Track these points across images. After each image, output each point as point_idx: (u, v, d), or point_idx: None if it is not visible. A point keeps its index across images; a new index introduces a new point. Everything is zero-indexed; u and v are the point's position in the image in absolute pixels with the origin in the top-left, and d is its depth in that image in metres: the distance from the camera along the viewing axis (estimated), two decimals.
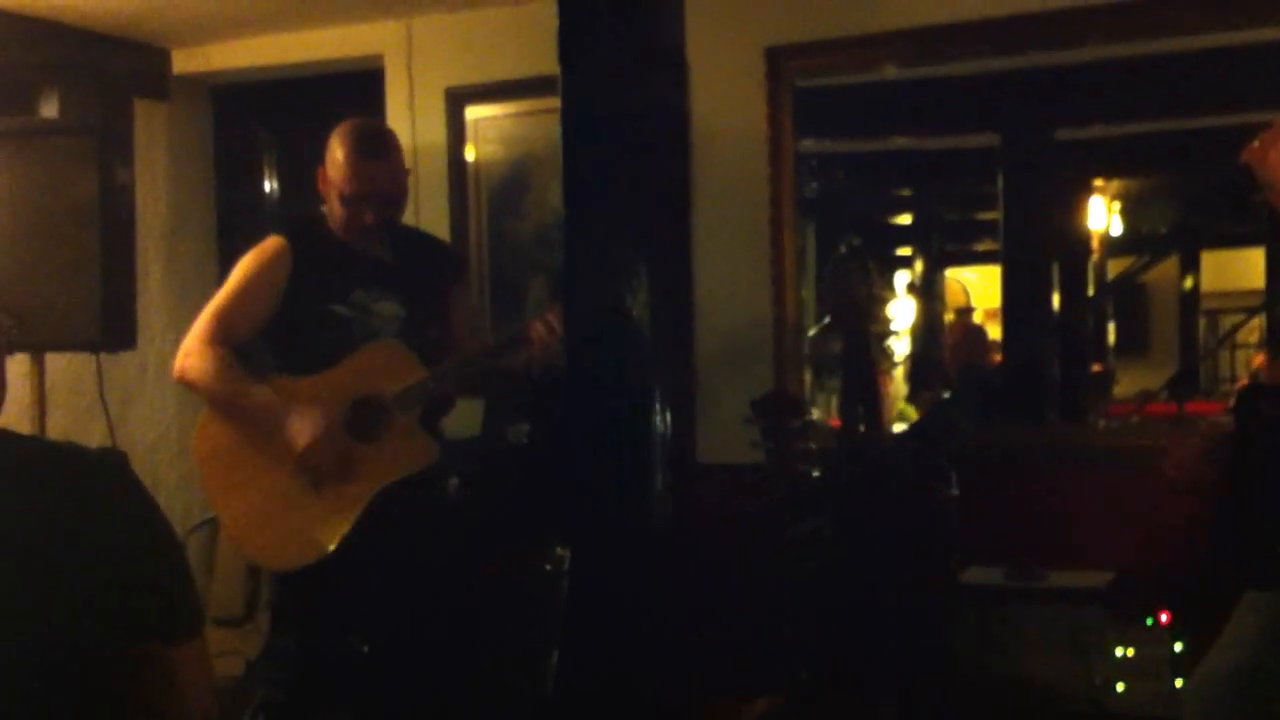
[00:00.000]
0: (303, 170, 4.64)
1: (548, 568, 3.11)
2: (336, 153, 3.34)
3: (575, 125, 3.25)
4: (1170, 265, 5.01)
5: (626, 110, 3.29)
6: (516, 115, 4.60)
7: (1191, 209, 4.94)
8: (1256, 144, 2.32)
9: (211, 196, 5.25)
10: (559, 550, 3.10)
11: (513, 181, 4.62)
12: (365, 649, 3.24)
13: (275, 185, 5.29)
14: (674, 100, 3.86)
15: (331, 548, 3.18)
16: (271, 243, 3.38)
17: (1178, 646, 3.33)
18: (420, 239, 3.72)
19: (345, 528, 3.18)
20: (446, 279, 3.57)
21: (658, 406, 3.17)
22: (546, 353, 3.33)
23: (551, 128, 3.80)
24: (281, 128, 5.26)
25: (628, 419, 3.06)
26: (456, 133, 4.65)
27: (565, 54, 3.26)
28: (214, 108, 5.28)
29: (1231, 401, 2.25)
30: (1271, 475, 1.99)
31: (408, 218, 3.62)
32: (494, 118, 4.64)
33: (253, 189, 5.28)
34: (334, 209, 3.36)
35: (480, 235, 4.63)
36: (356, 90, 4.74)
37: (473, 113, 4.66)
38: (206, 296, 3.52)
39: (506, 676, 3.49)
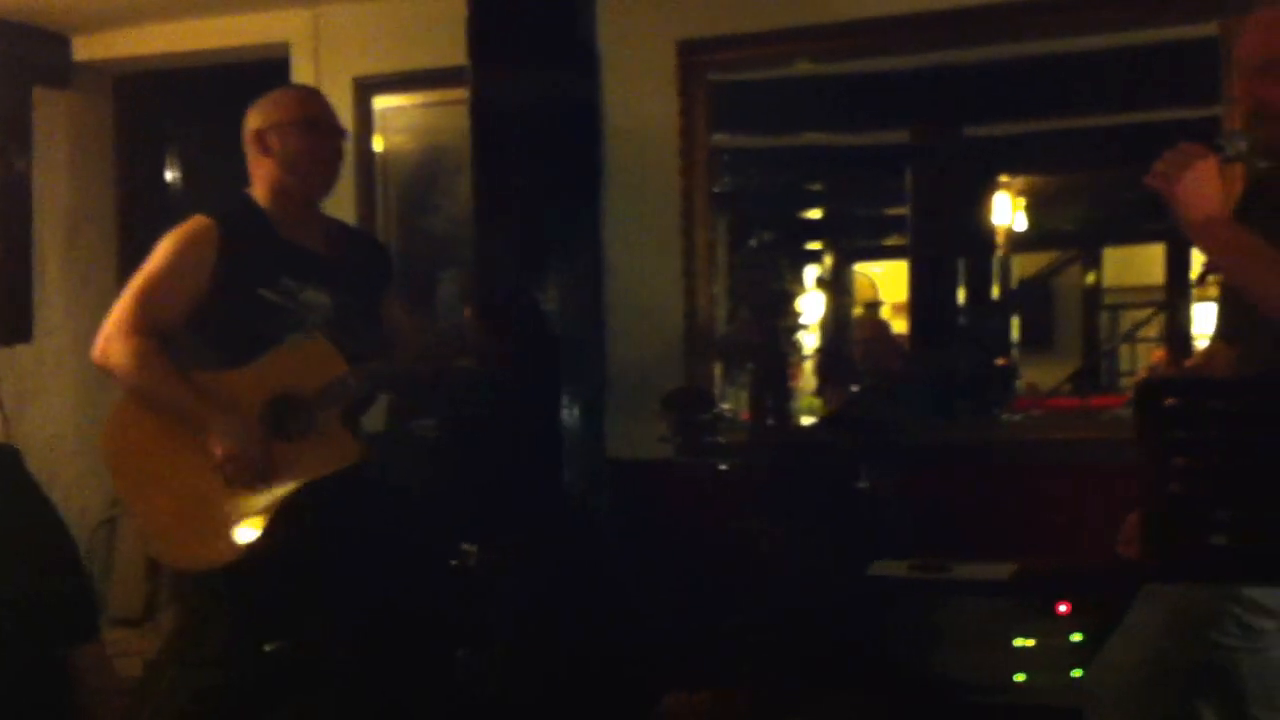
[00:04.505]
0: (207, 160, 4.57)
1: (455, 564, 3.08)
2: (271, 103, 3.32)
3: (484, 117, 3.24)
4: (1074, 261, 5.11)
5: (536, 102, 3.27)
6: (426, 105, 4.56)
7: (1096, 205, 5.02)
8: (1160, 167, 2.34)
9: (112, 187, 5.15)
10: (466, 546, 3.07)
11: (422, 173, 4.58)
12: (278, 650, 3.19)
13: (178, 175, 5.21)
14: (585, 92, 3.85)
15: (240, 550, 3.11)
16: (197, 222, 3.26)
17: (1077, 637, 3.37)
18: (353, 233, 3.67)
19: (257, 529, 3.11)
20: (379, 276, 3.53)
21: (567, 401, 3.17)
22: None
23: (462, 118, 3.77)
24: (185, 117, 5.18)
25: (537, 414, 3.06)
26: (364, 123, 4.60)
27: (474, 44, 3.25)
28: (116, 96, 5.17)
29: (1131, 395, 2.29)
30: (1170, 468, 2.01)
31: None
32: (402, 108, 4.60)
33: (155, 179, 5.19)
34: (277, 167, 3.28)
35: (389, 227, 4.58)
36: (262, 79, 4.61)
37: (381, 102, 4.61)
38: (106, 288, 3.45)
39: (416, 674, 3.45)
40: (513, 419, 3.08)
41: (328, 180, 3.34)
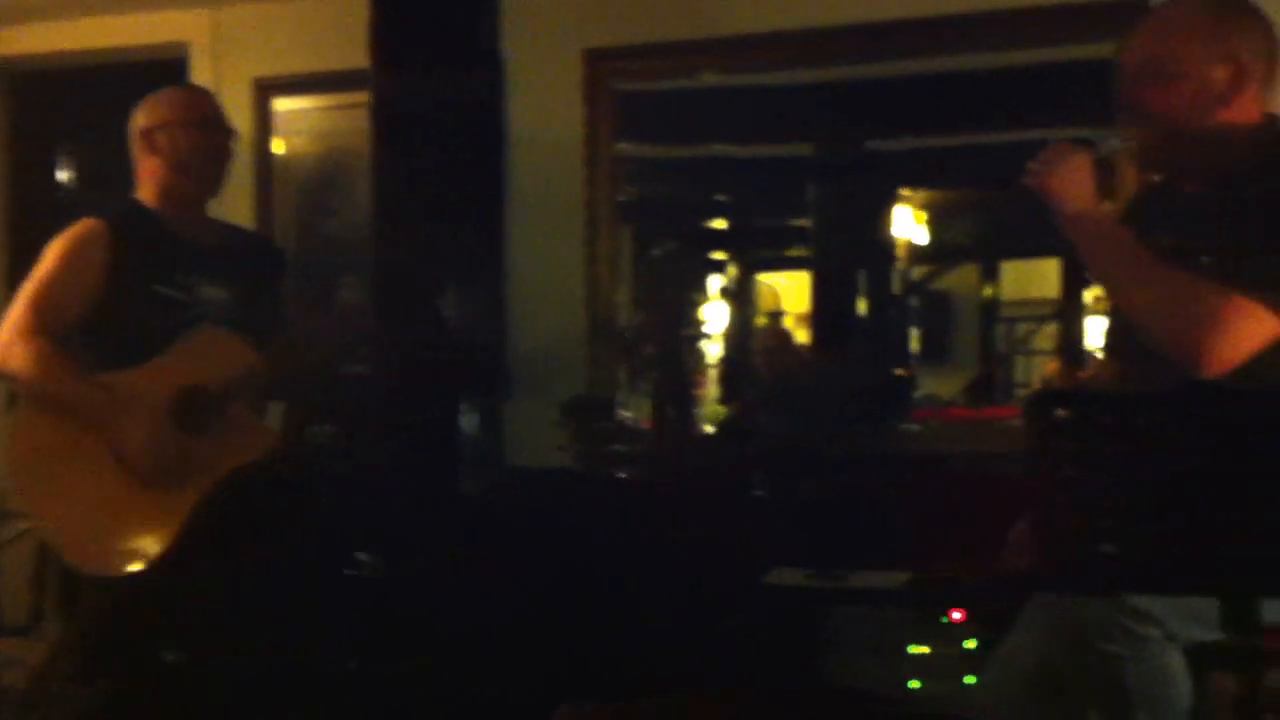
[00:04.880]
0: (102, 162, 4.48)
1: (350, 573, 3.04)
2: (160, 102, 3.31)
3: (385, 121, 3.21)
4: (972, 274, 5.16)
5: (438, 107, 3.25)
6: (327, 109, 4.52)
7: (995, 219, 5.09)
8: (1036, 166, 2.38)
9: (4, 188, 5.04)
10: (361, 555, 3.04)
11: (322, 176, 4.54)
12: (177, 660, 3.12)
13: (72, 176, 5.11)
14: (489, 98, 3.83)
15: (159, 554, 3.02)
16: (87, 224, 3.23)
17: (970, 644, 3.41)
18: (243, 232, 3.66)
19: (173, 531, 3.03)
20: (275, 272, 3.50)
21: (466, 408, 3.14)
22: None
23: (363, 122, 3.74)
24: (80, 118, 5.08)
25: (435, 420, 3.03)
26: (263, 125, 4.56)
27: (376, 48, 3.22)
28: (8, 95, 5.07)
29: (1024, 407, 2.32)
30: (1059, 479, 2.04)
31: (213, 213, 3.51)
32: (303, 110, 4.56)
33: (48, 180, 5.09)
34: (165, 167, 3.25)
35: (287, 231, 4.53)
36: (159, 80, 4.57)
37: (281, 105, 4.57)
38: None
39: (310, 685, 3.40)
40: (411, 425, 3.05)
41: (217, 181, 3.33)
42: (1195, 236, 2.31)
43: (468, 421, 3.27)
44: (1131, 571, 2.04)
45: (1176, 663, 2.27)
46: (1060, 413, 2.00)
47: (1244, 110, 2.37)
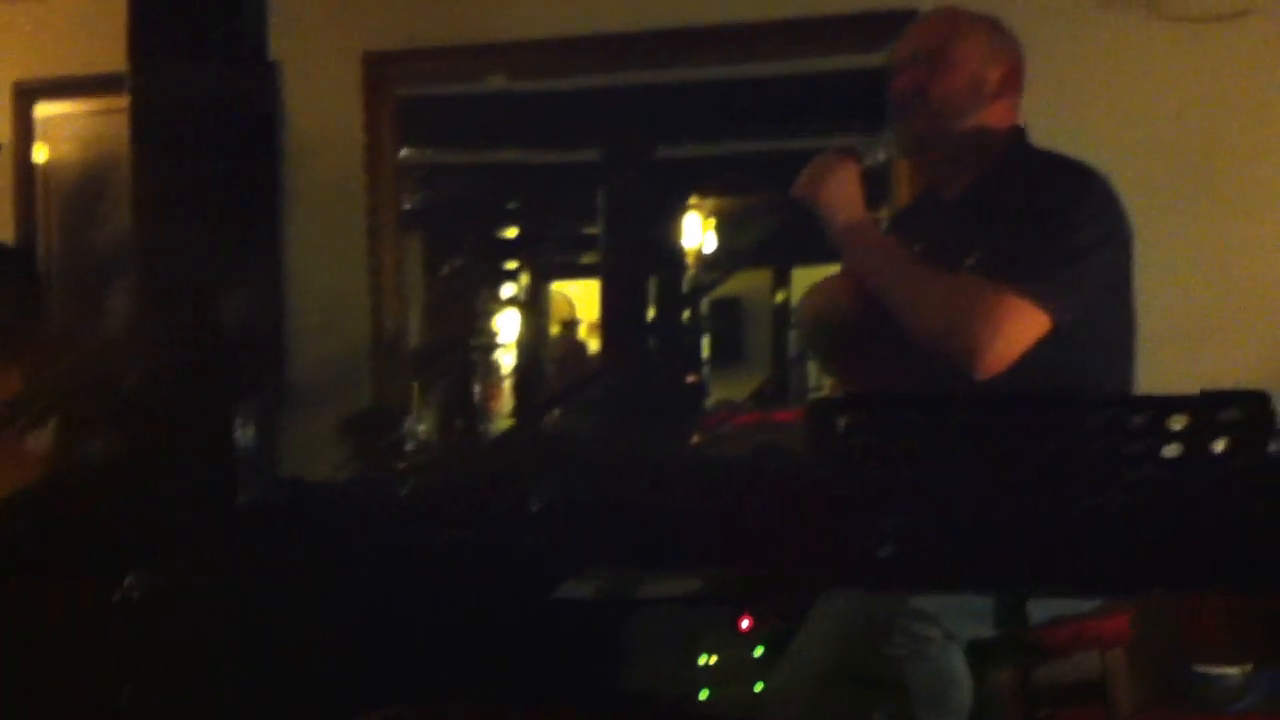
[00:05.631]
0: None
1: (117, 596, 2.90)
2: None
3: (145, 125, 3.07)
4: (763, 280, 5.21)
5: (203, 112, 3.11)
6: (93, 113, 4.34)
7: (785, 227, 5.13)
8: (804, 178, 2.39)
9: None
10: (129, 577, 2.90)
11: (89, 184, 4.35)
12: None
13: None
14: (260, 103, 3.70)
15: None
16: None
17: (758, 651, 3.41)
18: None
19: None
20: (29, 292, 3.32)
21: (241, 421, 3.02)
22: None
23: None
24: None
25: (209, 434, 2.90)
26: (24, 131, 4.35)
27: (134, 48, 3.08)
28: None
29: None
30: (841, 482, 2.04)
31: None
32: (67, 115, 4.37)
33: None
34: None
35: (52, 241, 4.34)
36: None
37: (43, 109, 4.37)
38: None
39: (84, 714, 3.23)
40: (179, 439, 2.91)
41: None
42: (957, 240, 2.35)
43: (243, 434, 3.14)
44: (910, 571, 2.05)
45: (957, 661, 2.29)
46: (840, 417, 2.00)
47: (1002, 115, 2.43)
